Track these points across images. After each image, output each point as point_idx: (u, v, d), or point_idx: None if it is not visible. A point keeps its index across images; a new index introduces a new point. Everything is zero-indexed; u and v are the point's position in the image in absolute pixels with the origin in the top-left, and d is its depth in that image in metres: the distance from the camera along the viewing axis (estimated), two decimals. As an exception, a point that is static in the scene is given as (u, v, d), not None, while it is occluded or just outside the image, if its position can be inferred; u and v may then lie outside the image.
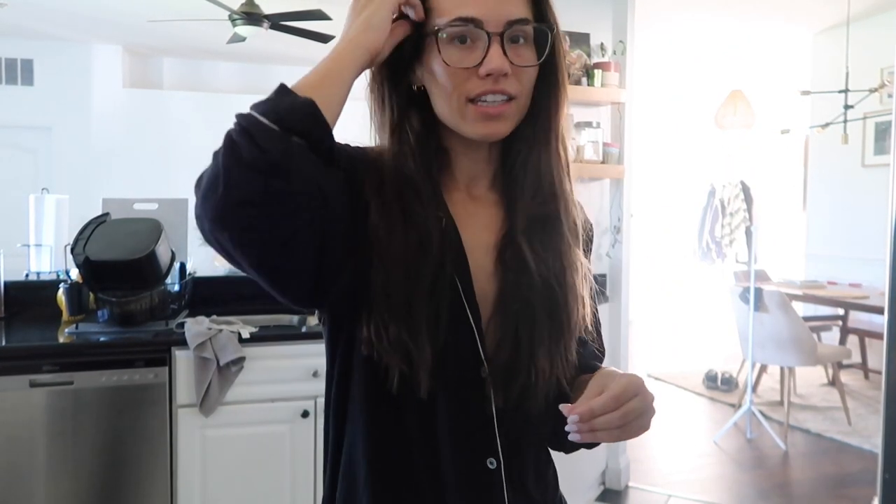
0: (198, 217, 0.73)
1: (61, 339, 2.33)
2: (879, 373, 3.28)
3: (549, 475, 0.97)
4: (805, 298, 5.11)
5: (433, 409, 0.84)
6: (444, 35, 0.81)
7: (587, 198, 3.38)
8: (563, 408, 0.78)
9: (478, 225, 0.89)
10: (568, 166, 0.91)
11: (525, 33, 0.83)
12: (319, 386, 1.83)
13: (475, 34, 0.81)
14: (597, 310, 0.97)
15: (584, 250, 0.94)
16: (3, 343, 2.33)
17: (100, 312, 2.43)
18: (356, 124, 0.92)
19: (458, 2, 0.82)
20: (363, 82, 0.90)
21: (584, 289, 0.91)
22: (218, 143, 0.75)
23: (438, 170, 0.89)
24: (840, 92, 4.75)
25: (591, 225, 1.01)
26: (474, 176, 0.92)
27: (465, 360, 0.84)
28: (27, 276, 2.85)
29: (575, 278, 0.89)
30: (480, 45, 0.81)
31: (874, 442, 4.05)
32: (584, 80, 3.21)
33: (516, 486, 0.87)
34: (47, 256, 2.88)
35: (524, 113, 0.87)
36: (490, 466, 0.85)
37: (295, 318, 2.82)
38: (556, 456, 0.99)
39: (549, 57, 0.86)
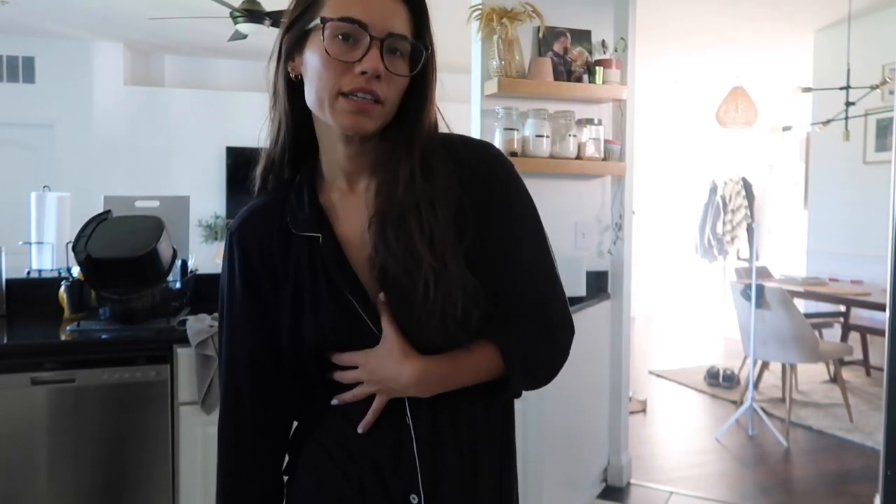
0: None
1: (63, 337, 2.33)
2: (881, 370, 3.28)
3: (479, 431, 1.02)
4: (806, 295, 5.11)
5: (339, 389, 1.00)
6: (330, 28, 0.89)
7: (588, 196, 3.38)
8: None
9: (355, 218, 0.99)
10: (432, 166, 0.97)
11: (403, 48, 0.92)
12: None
13: (359, 35, 0.89)
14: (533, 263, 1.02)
15: (481, 189, 0.99)
16: (5, 341, 2.33)
17: (101, 310, 2.42)
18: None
19: (349, 2, 0.90)
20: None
21: (440, 287, 0.93)
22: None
23: (316, 172, 1.02)
24: (841, 89, 4.74)
25: (494, 160, 1.03)
26: (352, 170, 1.00)
27: (363, 334, 0.96)
28: (28, 273, 2.85)
29: (427, 277, 0.92)
30: (362, 46, 0.90)
31: (876, 439, 4.05)
32: (586, 77, 3.20)
33: (428, 441, 0.98)
34: (49, 254, 2.87)
35: (389, 117, 0.95)
36: (407, 422, 0.97)
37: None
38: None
39: (421, 74, 0.95)
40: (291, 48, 0.95)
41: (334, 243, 0.97)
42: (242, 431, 1.05)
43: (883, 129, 5.51)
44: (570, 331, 1.03)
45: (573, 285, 3.03)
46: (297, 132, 1.00)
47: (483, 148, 1.03)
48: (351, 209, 0.99)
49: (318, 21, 0.90)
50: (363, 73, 0.89)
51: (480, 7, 3.06)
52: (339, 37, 0.89)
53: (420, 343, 0.95)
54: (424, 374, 0.94)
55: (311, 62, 0.92)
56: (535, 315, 0.99)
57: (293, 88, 0.97)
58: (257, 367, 1.02)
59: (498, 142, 3.04)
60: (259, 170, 1.03)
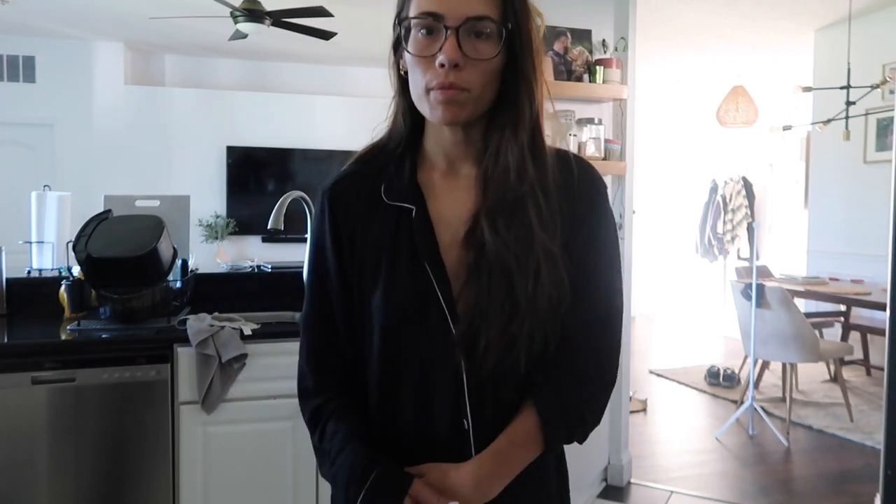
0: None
1: (63, 336, 2.33)
2: (881, 369, 3.28)
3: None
4: (807, 295, 5.11)
5: (401, 370, 0.97)
6: (409, 26, 0.92)
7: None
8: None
9: (452, 199, 1.00)
10: (542, 153, 0.97)
11: (488, 29, 0.91)
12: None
13: (436, 27, 0.90)
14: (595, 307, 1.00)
15: (585, 210, 1.00)
16: (5, 340, 2.33)
17: (101, 309, 2.43)
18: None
19: None
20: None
21: (551, 273, 0.93)
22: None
23: (418, 150, 1.03)
24: (841, 88, 4.74)
25: (597, 180, 1.04)
26: (456, 156, 1.01)
27: (431, 317, 0.94)
28: (29, 273, 2.85)
29: (540, 262, 0.93)
30: (441, 37, 0.90)
31: (876, 438, 4.05)
32: (586, 76, 3.20)
33: (484, 442, 0.95)
34: (49, 253, 2.88)
35: (484, 102, 0.94)
36: (464, 426, 0.95)
37: (297, 315, 2.82)
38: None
39: (513, 53, 0.93)
40: (397, 47, 0.98)
41: (427, 218, 0.98)
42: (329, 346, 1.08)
43: (883, 129, 5.51)
44: (616, 361, 1.03)
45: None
46: (414, 122, 1.02)
47: (590, 166, 1.05)
48: (449, 190, 1.01)
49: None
50: (441, 65, 0.90)
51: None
52: (422, 33, 0.91)
53: (506, 338, 0.92)
54: (478, 472, 0.93)
55: (408, 60, 0.95)
56: (590, 340, 0.99)
57: (403, 83, 1.00)
58: (344, 315, 1.03)
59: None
60: (364, 149, 1.06)
